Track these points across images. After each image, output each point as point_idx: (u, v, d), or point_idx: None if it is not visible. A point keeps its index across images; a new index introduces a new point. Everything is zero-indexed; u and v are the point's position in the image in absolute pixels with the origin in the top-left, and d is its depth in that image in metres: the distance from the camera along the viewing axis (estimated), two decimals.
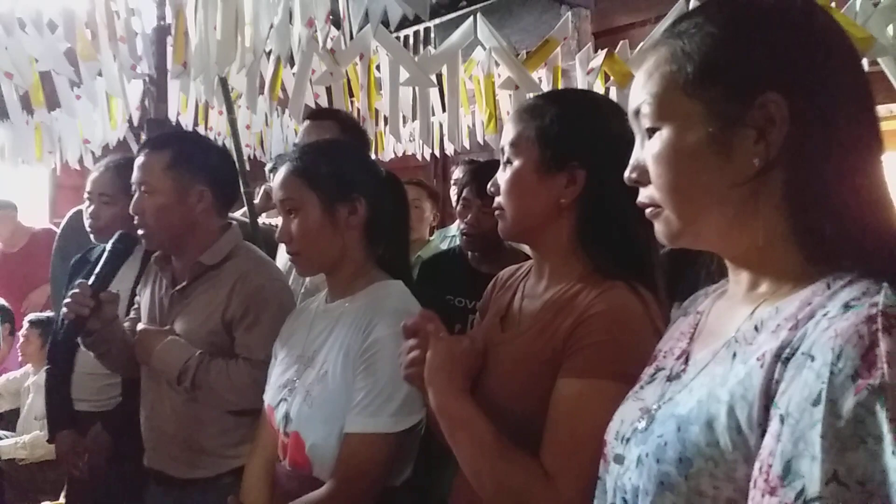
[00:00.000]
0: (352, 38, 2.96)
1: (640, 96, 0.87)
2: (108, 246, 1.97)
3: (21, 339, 4.22)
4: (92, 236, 2.58)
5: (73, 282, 1.92)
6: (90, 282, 1.88)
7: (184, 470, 1.91)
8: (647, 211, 0.89)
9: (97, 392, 2.48)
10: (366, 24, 2.64)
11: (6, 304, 4.76)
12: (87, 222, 2.55)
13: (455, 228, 3.94)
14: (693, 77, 0.81)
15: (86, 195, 2.57)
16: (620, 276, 1.20)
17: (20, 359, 4.39)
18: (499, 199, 1.30)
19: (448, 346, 1.21)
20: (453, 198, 3.88)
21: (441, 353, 1.20)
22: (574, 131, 1.25)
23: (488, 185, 1.33)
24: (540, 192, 1.25)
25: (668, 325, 1.06)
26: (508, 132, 1.30)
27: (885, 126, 0.81)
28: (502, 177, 1.29)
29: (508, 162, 1.28)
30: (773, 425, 0.68)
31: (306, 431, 1.50)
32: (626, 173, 0.90)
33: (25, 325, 4.25)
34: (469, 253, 2.53)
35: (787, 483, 0.64)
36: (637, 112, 0.88)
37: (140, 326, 1.97)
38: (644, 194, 0.89)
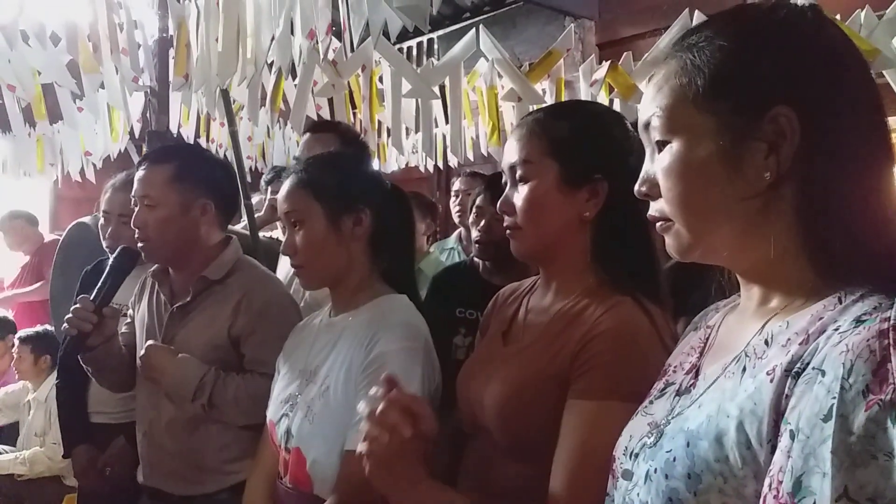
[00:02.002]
0: (352, 49, 2.96)
1: (650, 109, 0.86)
2: (110, 261, 1.96)
3: (14, 357, 4.19)
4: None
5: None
6: (91, 296, 1.87)
7: (182, 487, 1.90)
8: (658, 225, 0.88)
9: (116, 404, 2.44)
10: (366, 35, 2.64)
11: (9, 316, 4.76)
12: (105, 242, 2.54)
13: (453, 241, 3.94)
14: (703, 90, 0.81)
15: (102, 215, 2.56)
16: (628, 290, 1.19)
17: (16, 376, 4.37)
18: (513, 219, 1.28)
19: (386, 449, 1.07)
20: (453, 209, 3.90)
21: (381, 455, 1.08)
22: (593, 143, 1.24)
23: (499, 205, 1.30)
24: (563, 208, 1.23)
25: (678, 339, 1.05)
26: (517, 150, 1.27)
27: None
28: (517, 196, 1.26)
29: (521, 180, 1.26)
30: (784, 441, 0.67)
31: (307, 448, 1.49)
32: (637, 186, 0.90)
33: (16, 342, 4.23)
34: (481, 265, 2.53)
35: (798, 500, 0.63)
36: (647, 125, 0.87)
37: (149, 343, 1.94)
38: (654, 208, 0.88)
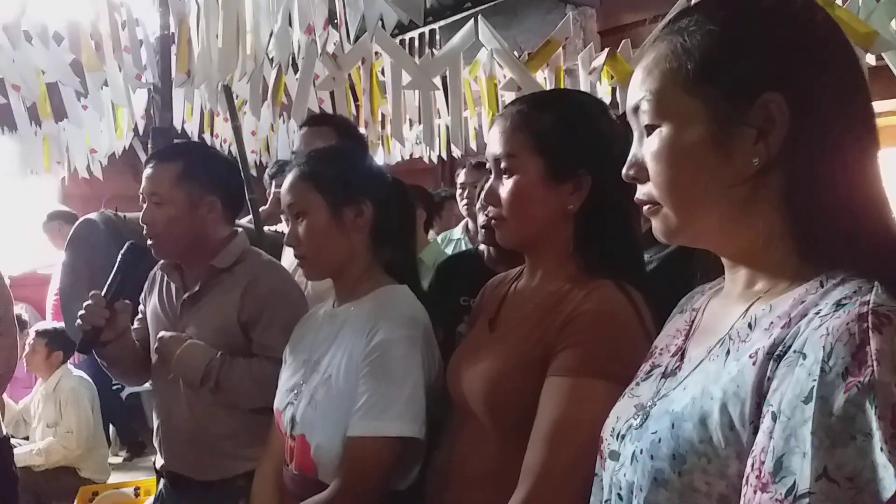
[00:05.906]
0: (348, 39, 2.97)
1: (638, 93, 0.86)
2: (119, 256, 1.98)
3: (27, 349, 4.22)
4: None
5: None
6: (103, 292, 1.90)
7: (199, 471, 1.94)
8: (645, 208, 0.88)
9: None
10: (364, 29, 2.65)
11: (24, 315, 4.80)
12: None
13: (459, 231, 3.94)
14: (693, 75, 0.80)
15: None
16: (610, 275, 1.20)
17: (25, 370, 4.37)
18: (497, 210, 1.29)
19: None
20: (460, 202, 3.89)
21: None
22: (577, 138, 1.24)
23: (483, 195, 1.31)
24: (547, 201, 1.24)
25: (665, 323, 1.06)
26: (500, 143, 1.27)
27: (890, 121, 0.80)
28: (502, 188, 1.27)
29: (505, 173, 1.27)
30: (766, 422, 0.68)
31: (311, 434, 1.51)
32: (624, 170, 0.90)
33: (32, 334, 4.26)
34: (485, 253, 2.54)
35: (779, 479, 0.64)
36: (636, 109, 0.87)
37: (161, 333, 1.97)
38: (642, 191, 0.88)
